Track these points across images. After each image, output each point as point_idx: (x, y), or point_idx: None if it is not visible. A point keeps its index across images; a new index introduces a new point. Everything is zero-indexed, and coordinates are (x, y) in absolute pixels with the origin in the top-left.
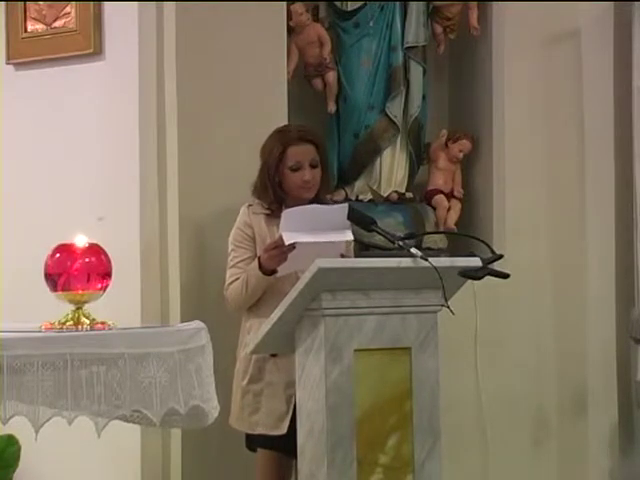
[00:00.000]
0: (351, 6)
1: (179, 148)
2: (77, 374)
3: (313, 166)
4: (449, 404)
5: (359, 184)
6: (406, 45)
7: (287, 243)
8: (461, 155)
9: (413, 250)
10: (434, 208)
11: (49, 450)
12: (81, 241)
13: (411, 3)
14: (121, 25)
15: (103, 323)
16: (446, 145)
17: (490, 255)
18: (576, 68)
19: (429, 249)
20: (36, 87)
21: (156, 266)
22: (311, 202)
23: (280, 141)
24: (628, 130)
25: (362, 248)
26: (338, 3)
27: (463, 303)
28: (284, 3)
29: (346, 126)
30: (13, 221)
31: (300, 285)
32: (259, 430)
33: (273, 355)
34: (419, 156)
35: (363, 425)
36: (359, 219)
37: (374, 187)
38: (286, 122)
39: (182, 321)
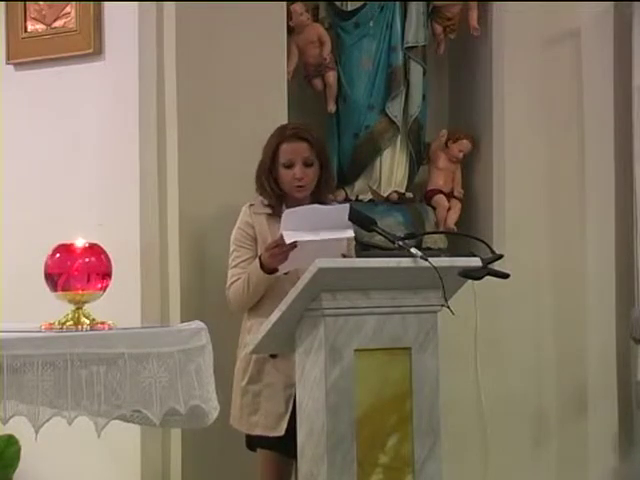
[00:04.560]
0: (351, 6)
1: (179, 148)
2: (77, 374)
3: (307, 164)
4: (449, 404)
5: (359, 184)
6: (406, 45)
7: (288, 242)
8: (461, 155)
9: (413, 250)
10: (434, 208)
11: (49, 450)
12: (81, 241)
13: (411, 3)
14: (121, 25)
15: (103, 323)
16: (446, 145)
17: (490, 255)
18: (576, 68)
19: (429, 249)
20: (36, 87)
21: (156, 266)
22: (312, 202)
23: (276, 138)
24: (628, 130)
25: (362, 248)
26: (338, 3)
27: (463, 303)
28: (284, 3)
29: (346, 126)
30: (13, 221)
31: (300, 285)
32: (258, 431)
33: (272, 356)
34: (419, 156)
35: (363, 425)
36: (359, 219)
37: (374, 187)
38: (286, 122)
39: (182, 321)
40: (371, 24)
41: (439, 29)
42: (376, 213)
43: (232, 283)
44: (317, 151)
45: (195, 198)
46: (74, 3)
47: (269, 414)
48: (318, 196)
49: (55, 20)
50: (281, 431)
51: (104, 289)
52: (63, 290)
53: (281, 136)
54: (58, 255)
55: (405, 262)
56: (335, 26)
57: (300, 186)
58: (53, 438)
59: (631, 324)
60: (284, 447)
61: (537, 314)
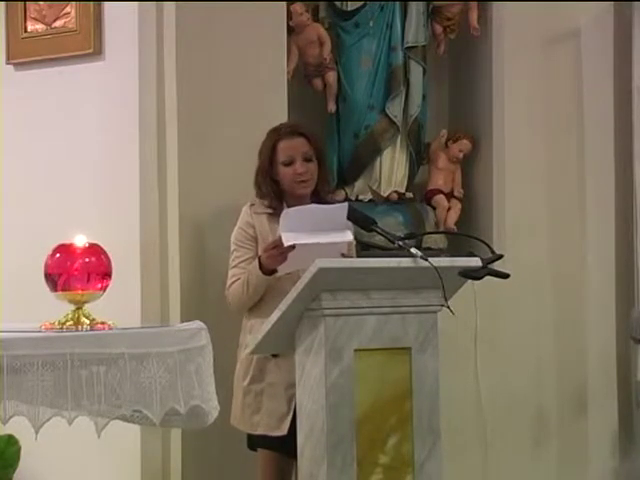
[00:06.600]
0: (351, 6)
1: (179, 148)
2: (77, 374)
3: (307, 159)
4: (449, 404)
5: (359, 184)
6: (406, 45)
7: (286, 244)
8: (461, 155)
9: (413, 250)
10: (434, 208)
11: (49, 450)
12: (81, 241)
13: (411, 3)
14: (121, 25)
15: (103, 323)
16: (446, 145)
17: (490, 255)
18: (576, 68)
19: (429, 249)
20: (36, 87)
21: (156, 266)
22: (312, 201)
23: (271, 138)
24: (628, 130)
25: (362, 248)
26: (338, 3)
27: (463, 303)
28: (284, 3)
29: (346, 126)
30: (13, 221)
31: (300, 285)
32: (260, 430)
33: (274, 355)
34: (419, 156)
35: (363, 425)
36: (359, 219)
37: (374, 187)
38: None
39: (182, 321)
40: (371, 24)
41: (439, 29)
42: (376, 213)
43: (232, 283)
44: (314, 147)
45: (195, 198)
46: (74, 3)
47: (271, 413)
48: (318, 194)
49: (55, 20)
50: (283, 430)
51: (104, 289)
52: (63, 290)
53: (277, 135)
54: (58, 255)
55: (405, 262)
56: (335, 26)
57: (303, 181)
58: (53, 438)
59: (631, 324)
60: (285, 447)
61: (537, 314)
